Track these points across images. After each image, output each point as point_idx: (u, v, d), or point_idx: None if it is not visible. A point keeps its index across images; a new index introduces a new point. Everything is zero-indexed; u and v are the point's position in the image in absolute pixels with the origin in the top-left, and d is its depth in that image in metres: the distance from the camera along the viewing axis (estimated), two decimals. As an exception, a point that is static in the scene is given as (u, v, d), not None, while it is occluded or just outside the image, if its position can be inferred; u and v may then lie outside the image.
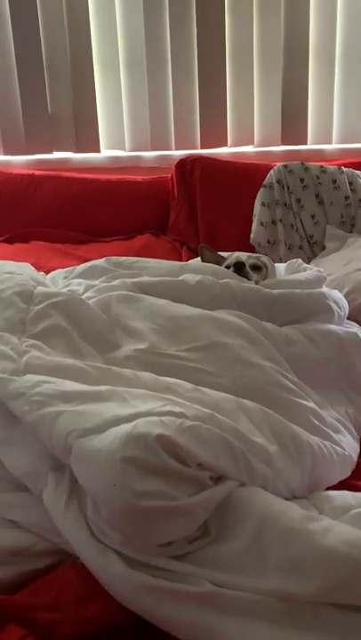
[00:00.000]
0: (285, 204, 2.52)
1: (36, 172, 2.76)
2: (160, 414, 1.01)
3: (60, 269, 1.92)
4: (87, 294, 1.55)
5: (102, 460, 0.93)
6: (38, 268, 1.94)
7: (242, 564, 0.93)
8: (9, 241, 2.56)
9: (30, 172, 2.77)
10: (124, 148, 2.88)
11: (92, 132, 2.82)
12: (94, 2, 2.69)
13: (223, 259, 1.84)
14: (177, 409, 1.03)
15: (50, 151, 2.85)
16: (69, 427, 0.99)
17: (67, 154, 2.87)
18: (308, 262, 2.40)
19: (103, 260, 1.80)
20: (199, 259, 1.94)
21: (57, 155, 2.87)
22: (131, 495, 0.90)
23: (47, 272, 1.93)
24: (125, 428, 0.96)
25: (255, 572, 0.91)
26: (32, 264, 1.91)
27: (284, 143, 2.87)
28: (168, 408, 1.03)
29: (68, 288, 1.65)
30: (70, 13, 2.68)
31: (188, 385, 1.19)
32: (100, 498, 0.95)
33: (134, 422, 0.97)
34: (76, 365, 1.20)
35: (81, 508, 1.01)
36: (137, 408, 1.03)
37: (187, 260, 2.30)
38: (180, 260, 2.43)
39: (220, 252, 1.90)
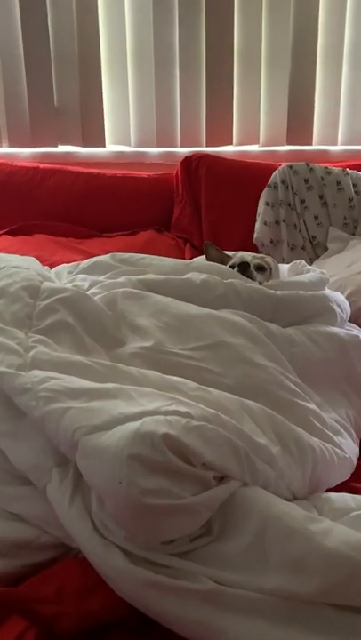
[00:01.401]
0: (289, 205, 2.53)
1: (41, 165, 2.76)
2: (166, 413, 1.02)
3: (64, 264, 1.92)
4: (92, 290, 1.56)
5: (109, 456, 0.94)
6: (42, 261, 1.95)
7: (244, 562, 0.94)
8: (13, 233, 2.56)
9: (35, 164, 2.77)
10: (129, 144, 2.88)
11: (98, 126, 2.82)
12: (104, -4, 2.69)
13: (228, 257, 1.85)
14: (183, 408, 1.04)
15: (55, 145, 2.85)
16: (76, 423, 1.00)
17: (72, 148, 2.87)
18: (311, 263, 2.41)
19: (108, 256, 1.80)
20: (203, 256, 1.95)
21: (62, 148, 2.87)
22: (136, 492, 0.91)
23: (50, 265, 1.94)
24: (132, 426, 0.97)
25: (257, 570, 0.93)
26: (35, 257, 1.91)
27: (289, 143, 2.88)
28: (174, 407, 1.04)
29: (72, 283, 1.65)
30: (79, 7, 2.68)
31: (193, 384, 1.20)
32: (105, 494, 0.96)
33: (141, 421, 0.98)
34: (81, 362, 1.20)
35: (85, 504, 1.02)
36: (144, 406, 1.04)
37: (190, 257, 2.31)
38: (183, 256, 2.44)
39: (224, 252, 1.90)
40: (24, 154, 2.86)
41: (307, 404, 1.30)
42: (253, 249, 2.49)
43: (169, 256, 1.96)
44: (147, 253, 1.85)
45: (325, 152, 2.89)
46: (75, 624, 0.96)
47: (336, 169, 2.59)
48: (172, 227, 2.71)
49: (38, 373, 1.12)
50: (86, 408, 1.03)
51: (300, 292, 1.59)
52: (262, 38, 2.75)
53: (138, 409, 1.03)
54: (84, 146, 2.85)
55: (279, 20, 2.72)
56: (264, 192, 2.57)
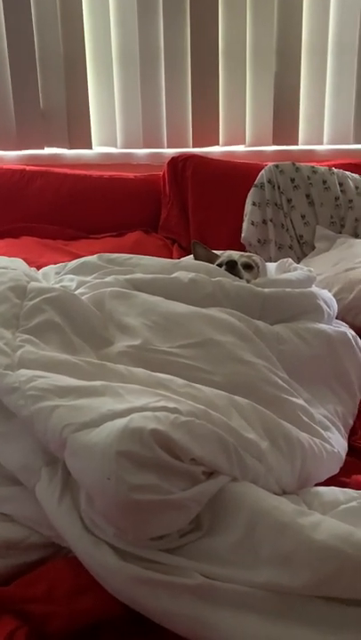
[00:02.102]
0: (276, 204, 2.54)
1: (28, 168, 2.75)
2: (154, 409, 1.02)
3: (51, 265, 1.92)
4: (80, 290, 1.56)
5: (97, 453, 0.94)
6: (30, 264, 1.94)
7: (234, 557, 0.94)
8: None
9: (22, 167, 2.77)
10: (115, 145, 2.88)
11: (84, 128, 2.82)
12: (88, -2, 2.70)
13: (216, 256, 1.86)
14: (171, 404, 1.04)
15: (41, 147, 2.85)
16: (65, 421, 1.00)
17: (58, 150, 2.87)
18: (298, 262, 2.42)
19: (95, 256, 1.80)
20: (191, 256, 1.95)
21: (48, 150, 2.87)
22: (125, 488, 0.91)
23: (38, 268, 1.94)
24: (120, 422, 0.97)
25: (247, 565, 0.93)
26: (23, 259, 1.91)
27: (275, 143, 2.89)
28: (162, 403, 1.04)
29: (60, 284, 1.65)
30: (64, 9, 2.68)
31: (181, 381, 1.20)
32: (94, 491, 0.96)
33: (129, 417, 0.98)
34: (69, 361, 1.20)
35: (74, 502, 1.02)
36: (132, 403, 1.04)
37: (178, 258, 2.31)
38: (171, 257, 2.44)
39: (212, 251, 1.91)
40: (10, 156, 2.86)
41: (295, 400, 1.31)
42: (241, 249, 2.50)
43: (157, 257, 1.96)
44: (135, 254, 1.86)
45: (311, 151, 2.91)
46: (66, 623, 0.96)
47: (322, 168, 2.61)
48: (160, 227, 2.72)
49: (26, 372, 1.12)
50: (74, 406, 1.03)
51: (288, 289, 1.59)
52: (247, 39, 2.76)
53: (126, 405, 1.03)
54: (71, 148, 2.85)
55: (263, 20, 2.73)
56: (251, 192, 2.58)
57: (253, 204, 2.56)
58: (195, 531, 0.98)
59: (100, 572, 0.96)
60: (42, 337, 1.28)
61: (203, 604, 0.89)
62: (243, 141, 2.90)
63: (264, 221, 2.55)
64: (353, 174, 2.64)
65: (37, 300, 1.38)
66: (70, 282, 1.65)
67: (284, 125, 2.86)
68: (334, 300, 1.75)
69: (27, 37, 2.67)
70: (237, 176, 2.67)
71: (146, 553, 0.95)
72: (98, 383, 1.11)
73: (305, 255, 2.52)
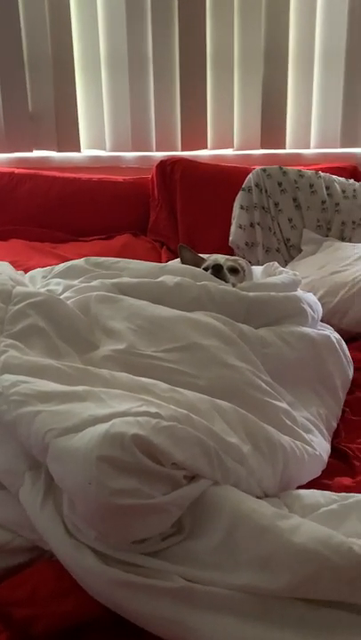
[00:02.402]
0: (264, 208, 2.56)
1: (16, 171, 2.76)
2: (136, 414, 1.03)
3: (38, 269, 1.92)
4: (66, 294, 1.56)
5: (79, 458, 0.95)
6: (17, 267, 1.95)
7: (214, 560, 0.95)
8: (-12, 239, 2.55)
9: (10, 170, 2.77)
10: (104, 148, 2.89)
11: (73, 131, 2.82)
12: (76, 0, 2.70)
13: (202, 259, 1.87)
14: (153, 409, 1.05)
15: (30, 149, 2.85)
16: (47, 426, 1.01)
17: (47, 152, 2.87)
18: (285, 265, 2.45)
19: (82, 260, 1.81)
20: (178, 260, 1.97)
21: (37, 153, 2.87)
22: (106, 493, 0.92)
23: (26, 271, 1.94)
24: (102, 427, 0.98)
25: (227, 568, 0.94)
26: (10, 262, 1.91)
27: (263, 147, 2.91)
28: (144, 408, 1.05)
29: (46, 288, 1.65)
30: (52, 12, 2.68)
31: (165, 385, 1.21)
32: (75, 495, 0.97)
33: (111, 422, 0.99)
34: (53, 365, 1.21)
35: (57, 506, 1.02)
36: (114, 408, 1.05)
37: (166, 261, 2.33)
38: (160, 260, 2.45)
39: (199, 254, 1.92)
40: (-2, 159, 2.86)
41: (278, 403, 1.32)
42: (229, 252, 2.51)
43: (146, 260, 1.97)
44: (123, 257, 1.86)
45: (298, 155, 2.93)
46: (48, 626, 0.97)
47: (309, 172, 2.63)
48: (149, 231, 2.73)
49: (9, 377, 1.13)
50: (57, 411, 1.04)
51: (273, 293, 1.61)
52: (235, 43, 2.78)
53: (108, 411, 1.04)
54: (59, 150, 2.85)
55: (251, 25, 2.75)
56: (239, 195, 2.60)
57: (241, 207, 2.58)
58: (176, 534, 0.99)
59: (82, 575, 0.97)
60: (26, 342, 1.29)
61: (183, 607, 0.90)
62: (231, 145, 2.91)
63: (252, 225, 2.56)
64: (339, 178, 2.67)
65: (22, 304, 1.39)
66: (57, 286, 1.65)
67: (271, 129, 2.87)
68: (319, 303, 1.76)
69: (15, 39, 2.67)
70: (225, 179, 2.68)
71: (127, 556, 0.96)
72: (80, 388, 1.12)
73: (292, 258, 2.53)
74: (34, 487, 1.05)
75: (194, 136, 2.86)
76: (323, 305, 1.85)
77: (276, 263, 1.91)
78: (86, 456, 0.94)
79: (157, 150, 2.87)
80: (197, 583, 0.93)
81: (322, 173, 2.64)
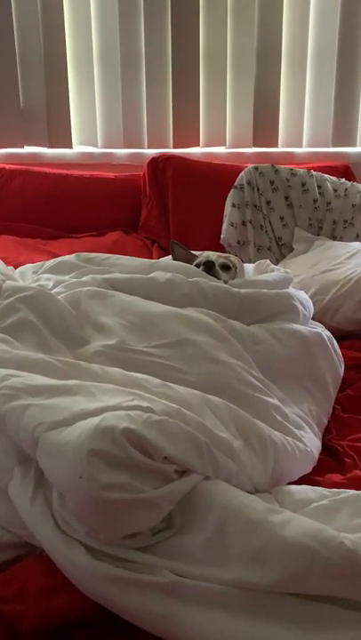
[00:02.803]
0: (255, 206, 2.56)
1: (7, 166, 2.74)
2: (127, 408, 1.02)
3: (29, 264, 1.91)
4: (57, 290, 1.55)
5: (69, 452, 0.94)
6: (7, 263, 1.94)
7: (205, 555, 0.95)
8: (-22, 235, 2.54)
9: (1, 165, 2.75)
10: (96, 145, 2.88)
11: (65, 127, 2.81)
12: (69, -3, 2.69)
13: (194, 256, 1.87)
14: (144, 403, 1.05)
15: (21, 145, 2.83)
16: (37, 420, 1.00)
17: (38, 149, 2.86)
18: (277, 263, 2.45)
19: (73, 255, 1.80)
20: (170, 256, 1.96)
21: (28, 149, 2.86)
22: (97, 487, 0.91)
23: (16, 267, 1.93)
24: (93, 421, 0.97)
25: (218, 562, 0.94)
26: (1, 258, 1.90)
27: (255, 145, 2.91)
28: (135, 402, 1.05)
29: (37, 283, 1.65)
30: (45, 8, 2.67)
31: (156, 380, 1.20)
32: (66, 490, 0.96)
33: (102, 416, 0.98)
34: (44, 360, 1.20)
35: (47, 501, 1.02)
36: (105, 402, 1.05)
37: (157, 258, 2.32)
38: (151, 257, 2.45)
39: (191, 251, 1.92)
40: (-11, 155, 2.84)
41: (269, 400, 1.32)
42: (221, 249, 2.51)
43: (137, 257, 1.97)
44: (114, 254, 1.86)
45: (291, 154, 2.93)
46: (38, 623, 0.96)
47: (301, 171, 2.63)
48: (140, 228, 2.72)
49: (-1, 371, 1.12)
50: (47, 405, 1.03)
51: (264, 290, 1.61)
52: (228, 42, 2.78)
53: (99, 405, 1.03)
54: (51, 147, 2.84)
55: (244, 23, 2.75)
56: (231, 193, 2.59)
57: (233, 205, 2.58)
58: (167, 529, 0.99)
59: (72, 570, 0.96)
60: (16, 336, 1.28)
61: (173, 602, 0.90)
62: (223, 143, 2.91)
63: (243, 223, 2.56)
64: (331, 177, 2.67)
65: (12, 299, 1.38)
66: (47, 281, 1.65)
67: (264, 128, 2.87)
68: (310, 301, 1.76)
69: (7, 35, 2.66)
70: (217, 177, 2.68)
71: (118, 551, 0.95)
72: (71, 382, 1.12)
73: (283, 256, 2.53)
74: (23, 482, 1.04)
75: (186, 133, 2.85)
76: (314, 303, 1.85)
77: (267, 261, 1.91)
78: (77, 450, 0.93)
79: (149, 147, 2.87)
80: (188, 578, 0.93)
81: (314, 172, 2.64)
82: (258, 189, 2.56)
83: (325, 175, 2.66)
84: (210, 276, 1.66)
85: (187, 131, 2.85)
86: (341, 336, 1.96)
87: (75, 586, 0.97)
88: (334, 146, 2.92)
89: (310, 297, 1.86)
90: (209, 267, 1.72)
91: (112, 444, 0.94)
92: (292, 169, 2.62)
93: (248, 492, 1.09)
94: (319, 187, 2.60)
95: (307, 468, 1.29)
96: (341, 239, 2.54)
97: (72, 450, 0.94)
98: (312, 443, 1.33)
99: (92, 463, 0.92)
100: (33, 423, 1.00)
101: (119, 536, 0.96)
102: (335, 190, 2.61)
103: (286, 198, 2.57)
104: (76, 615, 0.97)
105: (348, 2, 2.74)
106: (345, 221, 2.57)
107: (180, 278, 1.57)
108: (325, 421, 1.50)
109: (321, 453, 1.38)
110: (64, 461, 0.95)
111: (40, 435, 0.98)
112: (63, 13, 2.68)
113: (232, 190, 2.59)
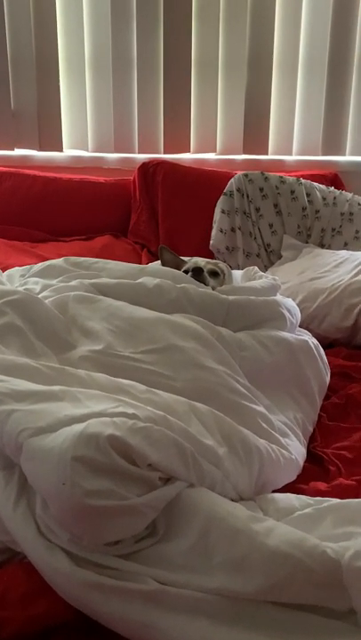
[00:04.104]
0: (245, 213, 2.57)
1: (-3, 168, 2.73)
2: (112, 415, 1.02)
3: (17, 267, 1.91)
4: (44, 294, 1.55)
5: (53, 458, 0.94)
6: (-5, 265, 1.93)
7: (188, 562, 0.95)
8: (-34, 236, 2.52)
9: (-10, 167, 2.74)
10: (86, 149, 2.88)
11: (56, 130, 2.81)
12: (62, 0, 2.69)
13: (183, 261, 1.87)
14: (129, 410, 1.04)
15: (11, 148, 2.82)
16: (21, 425, 1.00)
17: (28, 151, 2.85)
18: (265, 270, 2.46)
19: (61, 259, 1.79)
20: (158, 262, 1.96)
21: (18, 152, 2.85)
22: (80, 494, 0.91)
23: (4, 269, 1.92)
24: (77, 427, 0.97)
25: (200, 570, 0.93)
26: (-11, 261, 1.89)
27: (245, 152, 2.92)
28: (120, 409, 1.04)
29: (24, 287, 1.64)
30: (37, 10, 2.67)
31: (142, 387, 1.20)
32: (49, 496, 0.95)
33: (86, 422, 0.98)
34: (29, 365, 1.20)
35: (30, 507, 1.01)
36: (90, 408, 1.04)
37: (146, 263, 2.32)
38: (140, 262, 2.45)
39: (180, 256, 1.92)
40: (-21, 156, 2.83)
41: (255, 407, 1.32)
42: (210, 255, 2.52)
43: (126, 261, 1.96)
44: (103, 258, 1.85)
45: (281, 162, 2.95)
46: (19, 629, 0.95)
47: (290, 178, 2.65)
48: (129, 232, 2.72)
49: (-17, 376, 1.11)
50: (31, 410, 1.02)
51: (252, 297, 1.61)
52: (219, 49, 2.79)
53: (84, 411, 1.03)
54: (41, 149, 2.83)
55: (236, 31, 2.77)
56: (220, 200, 2.60)
57: (222, 211, 2.59)
58: (150, 536, 0.99)
59: (53, 576, 0.96)
60: (2, 340, 1.27)
61: (155, 610, 0.90)
62: (213, 149, 2.92)
63: (233, 229, 2.57)
64: (320, 185, 2.69)
65: (-1, 302, 1.37)
66: (35, 285, 1.64)
67: (254, 135, 2.89)
68: (298, 308, 1.77)
69: (-1, 37, 2.66)
70: (207, 183, 2.69)
71: (100, 558, 0.95)
72: (57, 388, 1.11)
73: (272, 263, 2.55)
74: (7, 487, 1.03)
75: (177, 139, 2.86)
76: (301, 310, 1.87)
77: (256, 268, 1.92)
78: (61, 456, 0.93)
79: (140, 152, 2.87)
80: (170, 585, 0.93)
81: (303, 180, 2.66)
82: (247, 196, 2.57)
83: (315, 183, 2.68)
84: (198, 283, 1.66)
85: (177, 136, 2.86)
86: (328, 344, 1.98)
87: (56, 592, 0.96)
88: (324, 154, 2.94)
89: (298, 304, 1.87)
90: (197, 273, 1.73)
91: (96, 451, 0.93)
92: (281, 177, 2.64)
93: (232, 500, 1.09)
94: (308, 195, 2.62)
95: (291, 475, 1.29)
96: (329, 247, 2.55)
97: (56, 456, 0.93)
98: (297, 450, 1.34)
99: (76, 469, 0.91)
100: (17, 428, 0.99)
101: (102, 543, 0.95)
102: (324, 198, 2.63)
103: (275, 205, 2.58)
104: (57, 621, 0.97)
105: (340, 11, 2.77)
106: (333, 229, 2.59)
107: (169, 284, 1.57)
108: (311, 429, 1.50)
109: (306, 461, 1.38)
110: (48, 467, 0.94)
111: (24, 440, 0.98)
112: (56, 16, 2.68)
113: (222, 197, 2.60)
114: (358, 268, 2.15)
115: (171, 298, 1.54)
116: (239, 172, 2.63)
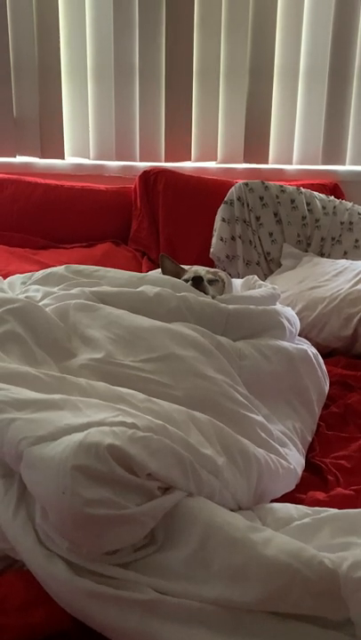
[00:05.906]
0: (245, 221, 2.58)
1: (-1, 175, 2.75)
2: (112, 424, 1.02)
3: (18, 274, 1.91)
4: (45, 301, 1.55)
5: (53, 467, 0.94)
6: (-4, 272, 1.94)
7: (186, 572, 0.95)
8: (-33, 243, 2.53)
9: (-8, 174, 2.76)
10: (88, 156, 2.89)
11: (57, 138, 2.82)
12: (64, 8, 2.71)
13: (183, 270, 1.88)
14: (129, 419, 1.05)
15: (13, 155, 2.84)
16: (21, 434, 1.00)
17: (30, 159, 2.87)
18: (265, 278, 2.47)
19: (62, 267, 1.80)
20: (159, 269, 1.97)
21: (20, 159, 2.87)
22: (79, 503, 0.91)
23: (5, 276, 1.93)
24: (77, 437, 0.97)
25: (199, 580, 0.94)
26: (-10, 267, 1.90)
27: (246, 161, 2.94)
28: (120, 418, 1.05)
29: (25, 294, 1.64)
30: (40, 18, 2.69)
31: (142, 396, 1.21)
32: (48, 504, 0.96)
33: (86, 431, 0.98)
34: (30, 373, 1.20)
35: (29, 515, 1.01)
36: (90, 417, 1.05)
37: (147, 271, 2.33)
38: (140, 269, 2.46)
39: (180, 265, 1.93)
40: (-19, 163, 2.84)
41: (254, 416, 1.33)
42: (210, 263, 2.53)
43: (126, 269, 1.97)
44: (104, 266, 1.86)
45: (281, 171, 2.97)
46: (17, 637, 0.95)
47: (290, 188, 2.66)
48: (130, 240, 2.74)
49: (-16, 384, 1.11)
50: (32, 419, 1.03)
51: (252, 306, 1.62)
52: (221, 59, 2.81)
53: (84, 420, 1.03)
54: (43, 157, 2.85)
55: (237, 40, 2.79)
56: (221, 208, 2.62)
57: (223, 220, 2.60)
58: (149, 545, 0.99)
59: (52, 585, 0.96)
60: (3, 348, 1.28)
61: (153, 619, 0.90)
62: (214, 158, 2.93)
63: (233, 238, 2.58)
64: (320, 194, 2.70)
65: (0, 310, 1.37)
66: (36, 292, 1.64)
67: (254, 144, 2.91)
68: (297, 317, 1.78)
69: (2, 45, 2.67)
70: (208, 192, 2.71)
71: (99, 567, 0.95)
72: (57, 397, 1.12)
73: (272, 272, 2.56)
74: (6, 496, 1.04)
75: (178, 147, 2.88)
76: (301, 319, 1.87)
77: (255, 276, 1.93)
78: (61, 465, 0.93)
79: (141, 160, 2.89)
80: (169, 595, 0.93)
81: (303, 189, 2.67)
82: (248, 205, 2.58)
83: (315, 193, 2.69)
84: (198, 291, 1.67)
85: (179, 145, 2.87)
86: (327, 352, 1.98)
87: (55, 600, 0.97)
88: (324, 164, 2.96)
89: (297, 313, 1.88)
90: (197, 282, 1.73)
91: (96, 460, 0.94)
92: (281, 186, 2.65)
93: (231, 510, 1.09)
94: (308, 204, 2.63)
95: (290, 485, 1.30)
96: (329, 256, 2.56)
97: (56, 465, 0.94)
98: (296, 460, 1.34)
99: (76, 478, 0.92)
100: (17, 437, 1.00)
101: (101, 552, 0.95)
102: (324, 208, 2.64)
103: (275, 214, 2.59)
104: (56, 630, 0.97)
105: (341, 21, 2.79)
106: (333, 239, 2.60)
107: (169, 293, 1.58)
108: (310, 438, 1.51)
109: (304, 471, 1.38)
110: (48, 476, 0.94)
111: (24, 449, 0.98)
112: (58, 24, 2.70)
113: (222, 205, 2.61)
114: (358, 277, 2.16)
115: (171, 306, 1.55)
116: (240, 181, 2.65)
